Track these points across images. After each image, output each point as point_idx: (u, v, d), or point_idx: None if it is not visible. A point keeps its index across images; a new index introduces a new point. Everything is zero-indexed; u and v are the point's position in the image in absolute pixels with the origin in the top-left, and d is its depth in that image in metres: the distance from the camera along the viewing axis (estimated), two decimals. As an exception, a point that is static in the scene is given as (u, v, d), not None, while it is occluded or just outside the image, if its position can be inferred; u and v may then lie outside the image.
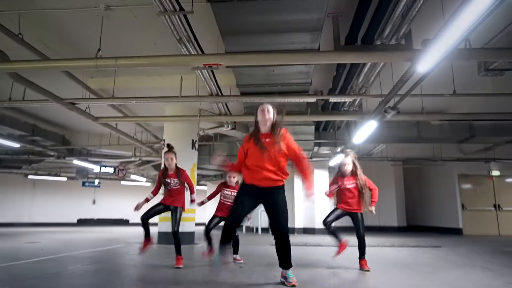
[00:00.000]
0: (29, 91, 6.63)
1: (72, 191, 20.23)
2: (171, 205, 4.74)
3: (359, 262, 4.43)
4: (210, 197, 5.43)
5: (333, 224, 4.69)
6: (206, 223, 5.21)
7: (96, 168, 13.93)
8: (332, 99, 6.78)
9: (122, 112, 8.59)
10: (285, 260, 3.39)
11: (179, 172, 4.80)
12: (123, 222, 21.54)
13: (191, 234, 8.41)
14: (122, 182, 19.78)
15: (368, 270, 4.27)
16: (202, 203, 5.31)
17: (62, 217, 19.85)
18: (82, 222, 20.65)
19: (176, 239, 4.63)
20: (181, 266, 4.49)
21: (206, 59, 4.86)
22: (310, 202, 12.76)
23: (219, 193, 5.35)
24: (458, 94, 6.36)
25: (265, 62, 4.98)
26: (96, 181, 19.56)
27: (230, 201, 5.20)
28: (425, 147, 12.51)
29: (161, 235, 8.14)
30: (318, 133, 9.70)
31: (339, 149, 10.54)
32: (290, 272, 3.39)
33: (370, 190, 4.60)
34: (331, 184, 4.77)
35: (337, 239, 4.73)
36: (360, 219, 4.49)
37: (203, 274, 4.27)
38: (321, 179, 13.19)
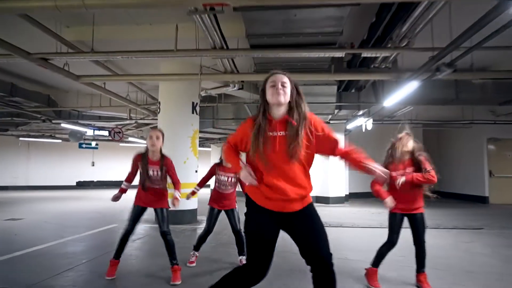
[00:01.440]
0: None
1: (70, 153, 19.22)
2: (153, 207, 3.59)
3: (417, 277, 3.31)
4: (201, 183, 4.23)
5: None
6: (206, 223, 4.07)
7: (89, 131, 12.75)
8: (366, 53, 5.40)
9: (110, 70, 7.26)
10: None
11: (163, 160, 3.57)
12: (125, 184, 20.75)
13: (193, 211, 7.36)
14: (121, 144, 18.68)
15: (431, 291, 3.14)
16: (193, 193, 4.19)
17: (60, 179, 19.02)
18: (81, 185, 19.86)
19: (167, 241, 3.51)
20: (178, 282, 3.40)
21: (207, -4, 3.49)
22: (325, 169, 11.77)
23: (213, 176, 4.18)
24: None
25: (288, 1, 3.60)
26: (93, 143, 18.47)
27: (227, 191, 4.04)
28: (453, 107, 11.16)
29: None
30: (338, 94, 8.32)
31: (361, 112, 9.23)
32: None
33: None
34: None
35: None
36: (420, 221, 3.29)
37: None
38: (336, 143, 11.97)
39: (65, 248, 4.99)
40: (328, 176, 11.78)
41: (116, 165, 20.46)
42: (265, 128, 2.18)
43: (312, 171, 2.24)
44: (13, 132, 15.69)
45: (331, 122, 10.55)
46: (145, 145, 3.61)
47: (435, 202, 9.97)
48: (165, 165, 3.55)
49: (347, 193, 12.74)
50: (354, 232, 6.43)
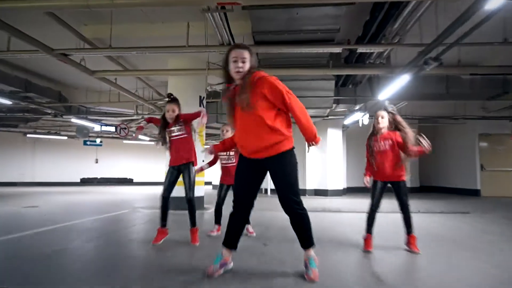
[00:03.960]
0: (15, 41, 5.81)
1: (74, 150, 19.69)
2: (181, 163, 4.02)
3: (407, 238, 3.77)
4: (211, 163, 4.68)
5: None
6: (216, 197, 4.59)
7: (96, 127, 13.23)
8: (361, 49, 5.92)
9: (122, 66, 7.74)
10: (302, 238, 2.77)
11: (178, 118, 4.06)
12: (127, 181, 21.23)
13: (200, 199, 7.86)
14: (125, 141, 19.14)
15: (418, 253, 3.59)
16: (201, 169, 4.60)
17: (65, 176, 19.50)
18: (85, 182, 20.33)
19: (191, 207, 4.00)
20: (197, 244, 3.90)
21: (221, -4, 3.99)
22: (322, 161, 12.30)
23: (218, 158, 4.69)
24: (510, 43, 5.50)
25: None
26: (98, 140, 18.94)
27: (230, 162, 4.56)
28: (446, 104, 11.73)
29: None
30: (336, 89, 8.84)
31: (357, 107, 9.75)
32: (313, 259, 2.74)
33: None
34: (367, 157, 3.98)
35: None
36: (403, 187, 3.75)
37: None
38: (335, 138, 12.50)
39: (92, 224, 5.47)
40: (326, 170, 12.29)
41: (119, 162, 20.96)
42: (232, 98, 2.71)
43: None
44: (21, 129, 16.15)
45: (329, 117, 11.06)
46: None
47: (425, 195, 10.49)
48: (180, 117, 4.05)
49: (345, 187, 13.27)
50: (350, 216, 6.93)
